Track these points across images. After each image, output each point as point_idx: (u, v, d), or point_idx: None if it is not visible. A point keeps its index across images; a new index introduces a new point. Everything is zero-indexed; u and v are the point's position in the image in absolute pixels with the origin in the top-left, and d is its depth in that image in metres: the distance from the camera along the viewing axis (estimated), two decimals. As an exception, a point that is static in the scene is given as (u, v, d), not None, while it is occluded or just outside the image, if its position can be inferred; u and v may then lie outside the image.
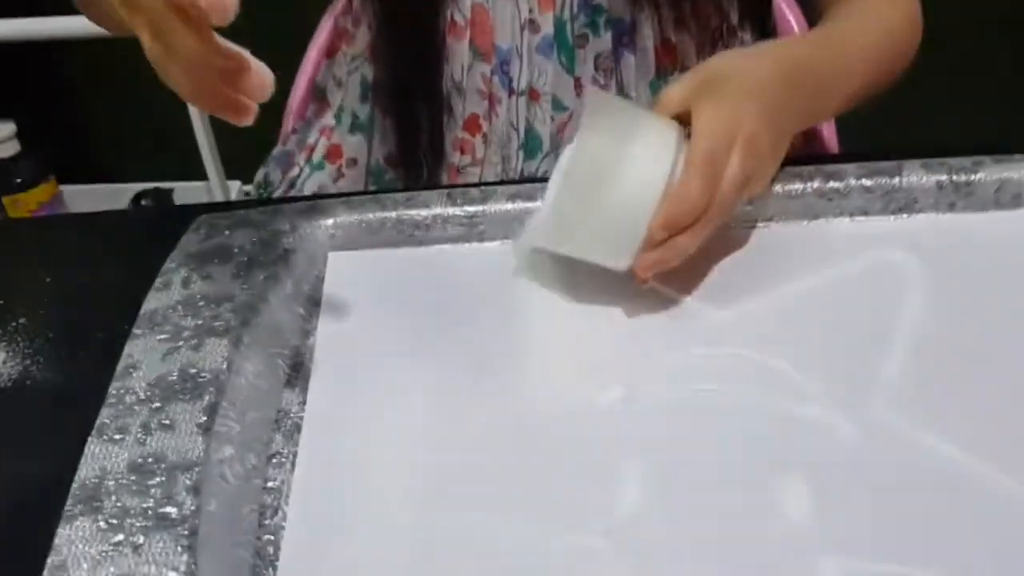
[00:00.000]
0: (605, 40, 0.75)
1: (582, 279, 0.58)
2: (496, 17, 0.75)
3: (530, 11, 0.74)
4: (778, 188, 0.62)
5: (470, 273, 0.60)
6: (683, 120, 0.56)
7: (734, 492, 0.47)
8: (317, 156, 0.89)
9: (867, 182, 0.61)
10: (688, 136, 0.55)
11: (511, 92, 0.77)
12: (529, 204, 0.62)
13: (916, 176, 0.62)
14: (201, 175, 1.68)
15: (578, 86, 0.77)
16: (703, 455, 0.48)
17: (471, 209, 0.62)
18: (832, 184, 0.62)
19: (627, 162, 0.52)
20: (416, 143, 0.80)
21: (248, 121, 0.48)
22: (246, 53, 0.47)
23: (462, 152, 0.80)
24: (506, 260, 0.61)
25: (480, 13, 0.75)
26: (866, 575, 0.43)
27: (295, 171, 0.93)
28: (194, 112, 1.60)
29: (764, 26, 0.83)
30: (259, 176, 1.02)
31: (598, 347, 0.55)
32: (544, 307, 0.58)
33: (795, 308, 0.56)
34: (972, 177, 0.62)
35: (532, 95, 0.77)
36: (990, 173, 0.62)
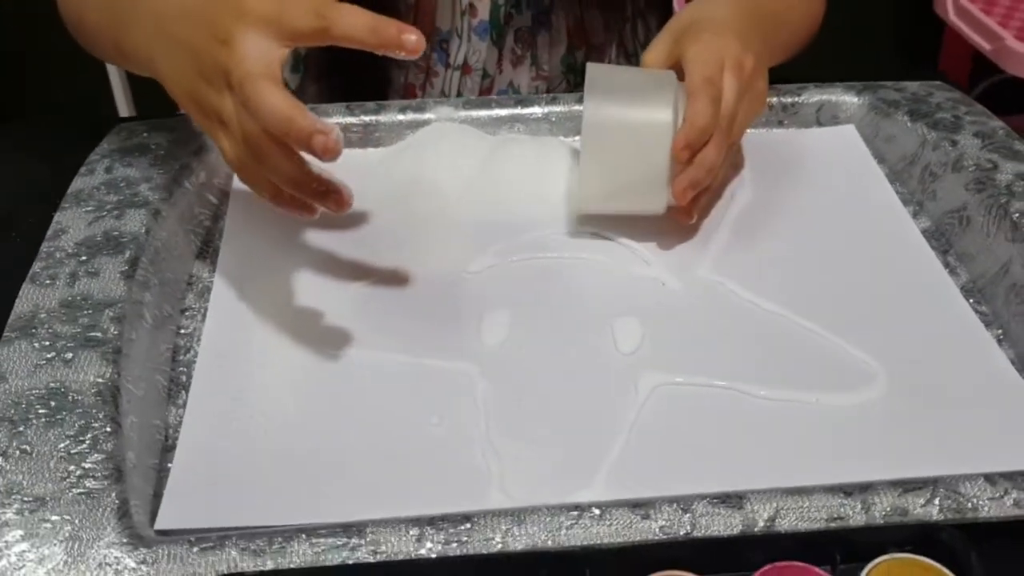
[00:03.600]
0: (526, 17, 0.84)
1: (468, 180, 0.67)
2: (439, 4, 0.82)
3: None
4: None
5: (366, 171, 0.68)
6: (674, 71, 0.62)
7: (580, 330, 0.56)
8: None
9: (709, 102, 0.71)
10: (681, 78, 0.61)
11: (447, 66, 0.85)
12: (418, 115, 0.71)
13: (751, 98, 0.72)
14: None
15: (500, 57, 0.85)
16: (557, 304, 0.58)
17: (367, 118, 0.71)
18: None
19: (633, 119, 0.58)
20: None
21: (314, 217, 0.55)
22: (332, 174, 0.51)
23: None
24: (391, 162, 0.69)
25: (423, 1, 0.83)
26: (673, 385, 0.53)
27: None
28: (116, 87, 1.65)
29: (667, 11, 0.92)
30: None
31: (470, 231, 0.64)
32: (429, 199, 0.66)
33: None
34: (796, 99, 0.72)
35: (465, 69, 0.85)
36: (811, 96, 0.73)
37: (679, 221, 0.62)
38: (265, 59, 0.49)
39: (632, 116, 0.58)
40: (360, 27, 0.49)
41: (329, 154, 0.47)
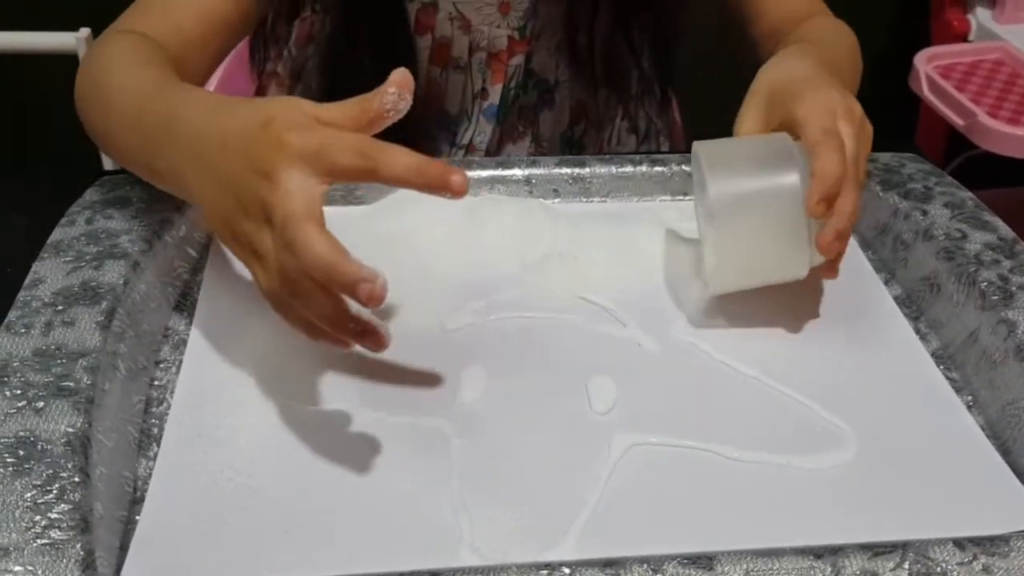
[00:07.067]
0: (531, 97, 0.86)
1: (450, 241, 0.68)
2: (449, 89, 0.84)
3: (483, 81, 0.84)
4: (613, 170, 0.73)
5: (347, 228, 0.68)
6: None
7: (555, 389, 0.56)
8: None
9: (686, 168, 0.73)
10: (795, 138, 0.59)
11: (452, 146, 0.86)
12: (399, 175, 0.71)
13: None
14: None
15: (502, 135, 0.87)
16: (533, 363, 0.58)
17: (348, 177, 0.71)
18: (657, 168, 0.73)
19: (761, 188, 0.57)
20: None
21: (349, 351, 0.52)
22: (371, 315, 0.49)
23: None
24: (373, 219, 0.69)
25: (433, 85, 0.84)
26: (647, 446, 0.53)
27: None
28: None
29: (665, 94, 0.92)
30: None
31: (449, 288, 0.64)
32: (409, 257, 0.66)
33: (628, 265, 0.66)
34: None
35: (470, 148, 0.86)
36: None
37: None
38: (307, 197, 0.48)
39: (759, 185, 0.57)
40: (406, 169, 0.48)
41: (374, 302, 0.45)
